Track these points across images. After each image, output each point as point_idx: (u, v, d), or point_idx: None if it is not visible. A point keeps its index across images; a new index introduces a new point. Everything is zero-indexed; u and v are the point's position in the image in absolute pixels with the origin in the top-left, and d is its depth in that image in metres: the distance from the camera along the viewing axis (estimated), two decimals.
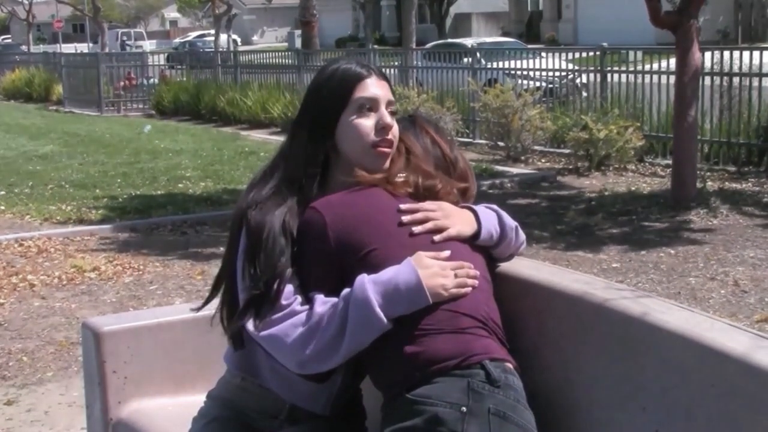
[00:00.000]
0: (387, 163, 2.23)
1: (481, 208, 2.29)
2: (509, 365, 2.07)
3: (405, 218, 2.15)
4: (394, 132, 2.23)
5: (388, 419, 2.03)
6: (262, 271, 2.12)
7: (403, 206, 2.17)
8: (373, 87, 2.22)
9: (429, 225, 2.15)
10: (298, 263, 2.15)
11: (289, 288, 2.12)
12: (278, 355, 2.13)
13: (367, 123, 2.20)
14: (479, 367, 2.01)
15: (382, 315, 2.02)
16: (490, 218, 2.27)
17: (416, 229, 2.14)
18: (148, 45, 52.43)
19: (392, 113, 2.25)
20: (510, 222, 2.32)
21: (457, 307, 2.07)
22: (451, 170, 2.34)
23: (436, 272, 2.06)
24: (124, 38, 54.43)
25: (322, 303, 2.09)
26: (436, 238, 2.14)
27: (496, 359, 2.04)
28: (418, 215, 2.16)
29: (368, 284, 2.04)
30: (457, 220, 2.20)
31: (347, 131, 2.21)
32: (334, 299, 2.09)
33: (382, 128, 2.20)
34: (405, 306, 2.04)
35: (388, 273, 2.06)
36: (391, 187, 2.21)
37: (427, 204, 2.19)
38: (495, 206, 2.34)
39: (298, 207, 2.19)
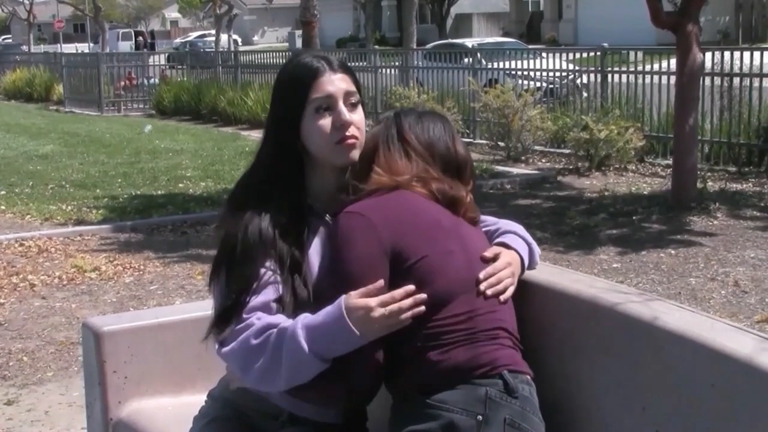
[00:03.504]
0: (356, 154, 2.20)
1: (519, 244, 2.29)
2: (527, 376, 2.08)
3: (483, 286, 2.11)
4: (357, 123, 2.19)
5: (401, 420, 2.03)
6: (233, 283, 2.12)
7: (481, 274, 2.12)
8: (328, 84, 2.18)
9: (500, 287, 2.15)
10: (332, 273, 2.09)
11: (256, 301, 2.10)
12: (236, 372, 2.16)
13: (325, 123, 2.17)
14: (498, 377, 2.02)
15: (318, 361, 2.02)
16: (525, 253, 2.29)
17: (489, 292, 2.12)
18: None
19: (354, 104, 2.21)
20: (535, 248, 2.34)
21: (483, 319, 2.07)
22: (458, 167, 2.28)
23: (362, 316, 2.01)
24: (139, 39, 54.29)
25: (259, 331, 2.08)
26: (502, 298, 2.13)
27: (515, 371, 2.05)
28: (499, 286, 2.15)
29: (300, 330, 2.03)
30: (515, 270, 2.22)
31: (309, 133, 2.19)
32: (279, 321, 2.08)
33: (340, 126, 2.17)
34: (338, 349, 2.03)
35: (320, 318, 2.04)
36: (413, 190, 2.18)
37: (501, 263, 2.17)
38: (522, 232, 2.33)
39: (280, 212, 2.17)
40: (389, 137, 2.24)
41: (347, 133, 2.17)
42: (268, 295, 2.11)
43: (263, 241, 2.13)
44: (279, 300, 2.12)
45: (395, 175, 2.17)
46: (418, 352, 2.03)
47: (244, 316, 2.10)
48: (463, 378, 2.00)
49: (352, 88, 2.21)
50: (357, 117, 2.20)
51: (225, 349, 2.12)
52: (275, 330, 2.07)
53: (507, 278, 2.17)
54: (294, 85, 2.20)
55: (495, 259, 2.19)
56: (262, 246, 2.12)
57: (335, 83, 2.19)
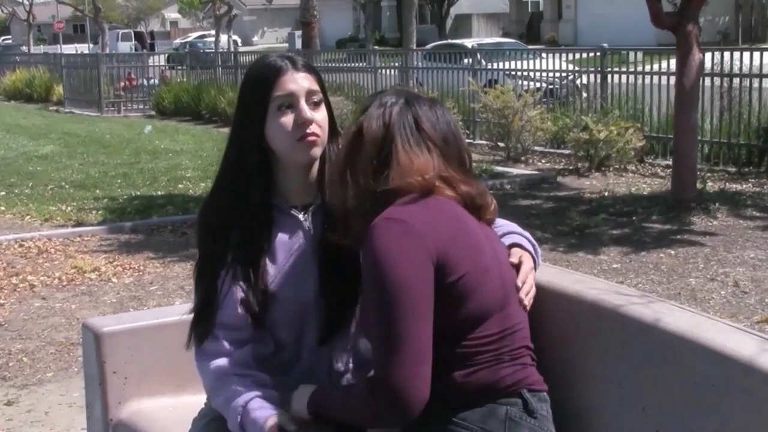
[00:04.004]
0: (317, 152, 2.21)
1: (528, 245, 2.28)
2: (544, 393, 2.06)
3: (522, 295, 2.09)
4: (318, 122, 2.20)
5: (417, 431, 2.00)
6: (200, 293, 2.22)
7: (518, 282, 2.09)
8: (290, 82, 2.19)
9: (531, 295, 2.15)
10: (373, 282, 1.96)
11: (223, 314, 2.19)
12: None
13: (286, 121, 2.18)
14: (518, 396, 2.00)
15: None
16: (533, 253, 2.31)
17: (527, 302, 2.11)
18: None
19: (317, 103, 2.21)
20: (538, 248, 2.33)
21: (512, 338, 2.02)
22: (462, 160, 2.14)
23: None
24: (135, 42, 54.35)
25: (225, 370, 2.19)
26: (527, 302, 2.12)
27: (534, 389, 2.04)
28: (530, 294, 2.13)
29: (239, 408, 2.13)
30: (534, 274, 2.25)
31: (271, 130, 2.20)
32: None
33: (301, 124, 2.18)
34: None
35: (256, 411, 2.11)
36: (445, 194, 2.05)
37: (527, 267, 2.15)
38: (523, 231, 2.32)
39: (243, 213, 2.20)
40: (407, 127, 2.06)
41: (308, 131, 2.18)
42: (232, 302, 2.18)
43: (223, 247, 2.20)
44: (243, 301, 2.18)
45: (420, 173, 2.02)
46: (443, 371, 1.97)
47: (215, 332, 2.20)
48: (486, 398, 1.98)
49: (315, 87, 2.22)
50: (319, 116, 2.21)
51: (198, 365, 2.24)
52: (233, 387, 2.16)
53: (533, 284, 2.18)
54: (258, 85, 2.22)
55: (520, 264, 2.17)
56: (223, 250, 2.20)
57: (298, 81, 2.20)
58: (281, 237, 2.23)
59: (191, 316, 2.27)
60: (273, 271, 2.21)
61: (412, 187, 2.01)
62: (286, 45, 45.34)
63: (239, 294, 2.18)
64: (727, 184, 10.10)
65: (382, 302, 1.92)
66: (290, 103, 2.19)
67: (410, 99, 2.12)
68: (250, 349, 2.21)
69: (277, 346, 2.25)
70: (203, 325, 2.22)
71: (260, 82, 2.21)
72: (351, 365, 2.29)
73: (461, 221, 2.02)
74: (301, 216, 2.25)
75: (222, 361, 2.19)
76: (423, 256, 1.92)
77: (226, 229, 2.21)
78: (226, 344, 2.19)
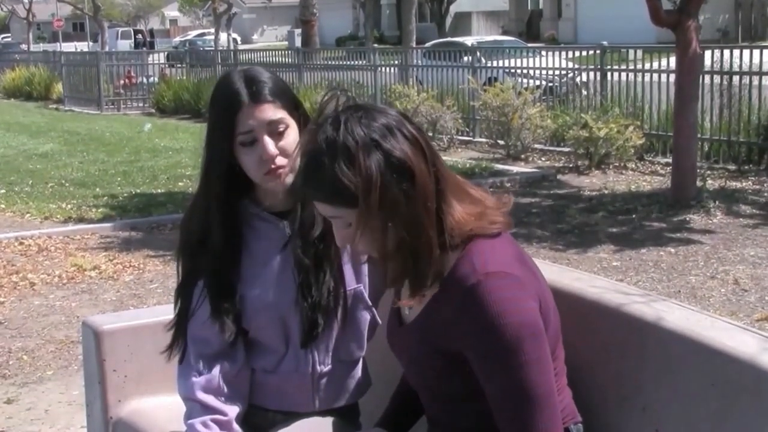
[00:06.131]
0: (289, 179, 2.15)
1: None
2: (580, 424, 2.01)
3: None
4: (283, 152, 2.13)
5: None
6: (177, 307, 2.32)
7: None
8: (248, 118, 2.12)
9: None
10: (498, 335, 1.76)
11: (194, 330, 2.27)
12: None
13: (250, 159, 2.15)
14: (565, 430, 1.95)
15: None
16: None
17: None
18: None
19: (281, 132, 2.15)
20: None
21: (560, 372, 1.95)
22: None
23: None
24: (138, 37, 54.37)
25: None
26: None
27: (577, 421, 2.00)
28: None
29: None
30: None
31: (241, 162, 2.18)
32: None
33: (266, 161, 2.14)
34: None
35: None
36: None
37: None
38: None
39: (222, 226, 2.20)
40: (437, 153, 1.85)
41: (272, 166, 2.15)
42: (204, 313, 2.24)
43: (201, 258, 2.23)
44: (216, 312, 2.22)
45: (481, 205, 1.87)
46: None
47: (188, 353, 2.28)
48: None
49: (278, 114, 2.15)
50: (285, 143, 2.15)
51: (177, 376, 2.31)
52: (191, 419, 2.23)
53: None
54: (221, 117, 2.17)
55: None
56: (201, 261, 2.23)
57: (257, 116, 2.13)
58: (261, 244, 2.23)
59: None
60: (253, 278, 2.21)
61: (488, 228, 1.85)
62: (286, 43, 45.30)
63: (213, 304, 2.21)
64: (726, 181, 10.10)
65: (517, 359, 1.77)
66: (252, 138, 2.14)
67: (405, 114, 1.87)
68: (219, 370, 2.23)
69: (264, 347, 2.27)
70: (176, 338, 2.30)
71: (222, 114, 2.16)
72: (330, 366, 2.29)
73: (523, 253, 1.91)
74: (280, 223, 2.24)
75: (191, 381, 2.24)
76: (536, 305, 1.82)
77: (204, 239, 2.21)
78: (192, 360, 2.25)
